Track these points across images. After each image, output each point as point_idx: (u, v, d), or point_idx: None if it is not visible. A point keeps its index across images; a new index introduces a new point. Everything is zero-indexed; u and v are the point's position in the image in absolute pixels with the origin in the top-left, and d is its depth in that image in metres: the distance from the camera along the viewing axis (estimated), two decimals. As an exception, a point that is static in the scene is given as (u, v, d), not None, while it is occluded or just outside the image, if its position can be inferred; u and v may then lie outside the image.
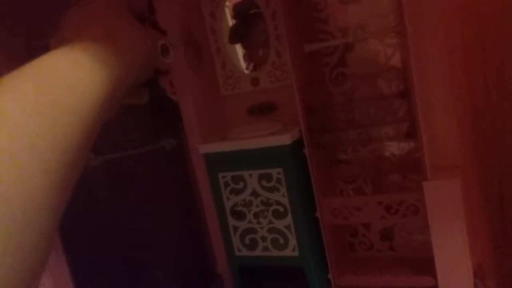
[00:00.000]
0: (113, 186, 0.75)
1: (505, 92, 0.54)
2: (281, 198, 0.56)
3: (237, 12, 0.65)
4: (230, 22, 0.66)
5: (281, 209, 0.57)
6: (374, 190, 0.63)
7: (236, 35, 0.66)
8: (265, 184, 0.57)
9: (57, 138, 0.27)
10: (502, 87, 0.54)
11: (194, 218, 0.75)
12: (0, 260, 0.21)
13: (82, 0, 0.41)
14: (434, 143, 0.52)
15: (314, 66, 0.61)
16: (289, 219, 0.57)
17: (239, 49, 0.68)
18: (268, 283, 0.62)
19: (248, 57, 0.67)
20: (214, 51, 0.67)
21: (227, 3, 0.65)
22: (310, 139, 0.55)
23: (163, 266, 0.76)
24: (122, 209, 0.75)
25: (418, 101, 0.49)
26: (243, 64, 0.67)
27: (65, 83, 0.29)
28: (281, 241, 0.58)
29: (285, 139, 0.54)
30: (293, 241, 0.57)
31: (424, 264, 0.56)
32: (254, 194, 0.58)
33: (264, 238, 0.59)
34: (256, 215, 0.59)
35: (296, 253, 0.58)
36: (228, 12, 0.66)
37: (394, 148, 0.60)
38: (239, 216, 0.60)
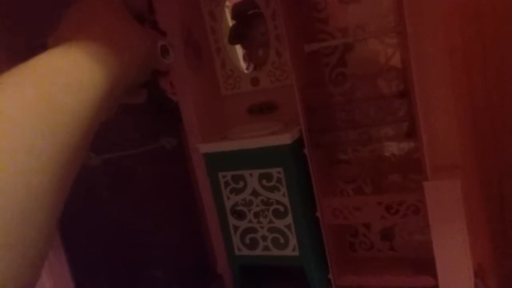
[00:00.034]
0: (113, 185, 0.75)
1: (505, 92, 0.54)
2: (282, 198, 0.56)
3: (237, 12, 0.65)
4: (230, 22, 0.66)
5: (282, 208, 0.57)
6: (374, 190, 0.63)
7: (236, 36, 0.66)
8: (265, 183, 0.57)
9: (55, 138, 0.27)
10: (502, 87, 0.54)
11: (194, 217, 0.75)
12: (1, 253, 0.22)
13: None
14: (434, 143, 0.52)
15: (314, 66, 0.61)
16: (289, 219, 0.57)
17: (239, 49, 0.68)
18: (268, 283, 0.62)
19: (248, 57, 0.67)
20: (214, 51, 0.67)
21: (227, 3, 0.65)
22: (310, 139, 0.55)
23: (163, 265, 0.76)
24: (122, 208, 0.75)
25: (418, 101, 0.49)
26: (243, 64, 0.67)
27: (63, 82, 0.29)
28: (282, 240, 0.58)
29: (285, 139, 0.54)
30: (293, 241, 0.57)
31: (424, 264, 0.56)
32: (255, 193, 0.58)
33: (264, 238, 0.59)
34: (256, 215, 0.59)
35: (296, 253, 0.58)
36: (228, 12, 0.66)
37: (394, 148, 0.60)
38: (239, 215, 0.60)
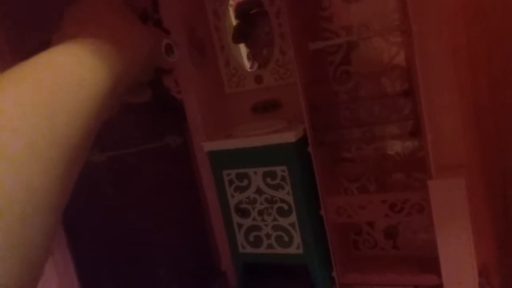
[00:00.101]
0: (118, 183, 0.76)
1: (510, 92, 0.53)
2: (286, 196, 0.56)
3: (240, 11, 0.65)
4: (234, 20, 0.66)
5: (286, 206, 0.57)
6: (378, 188, 0.63)
7: (240, 35, 0.66)
8: (269, 181, 0.57)
9: (57, 136, 0.26)
10: (506, 86, 0.54)
11: (199, 215, 0.75)
12: (2, 253, 0.22)
13: None
14: (439, 142, 0.52)
15: (318, 64, 0.61)
16: (293, 217, 0.57)
17: (242, 47, 0.68)
18: (272, 281, 0.62)
19: (252, 56, 0.67)
20: (218, 49, 0.67)
21: (231, 2, 0.65)
22: (314, 137, 0.55)
23: (167, 263, 0.76)
24: (127, 206, 0.75)
25: (423, 100, 0.49)
26: (247, 63, 0.67)
27: (65, 80, 0.29)
28: (286, 238, 0.58)
29: (289, 137, 0.54)
30: (297, 239, 0.57)
31: (428, 263, 0.56)
32: (259, 191, 0.58)
33: (268, 236, 0.59)
34: (260, 213, 0.59)
35: (300, 251, 0.58)
36: (231, 11, 0.66)
37: (399, 146, 0.60)
38: (244, 213, 0.60)
